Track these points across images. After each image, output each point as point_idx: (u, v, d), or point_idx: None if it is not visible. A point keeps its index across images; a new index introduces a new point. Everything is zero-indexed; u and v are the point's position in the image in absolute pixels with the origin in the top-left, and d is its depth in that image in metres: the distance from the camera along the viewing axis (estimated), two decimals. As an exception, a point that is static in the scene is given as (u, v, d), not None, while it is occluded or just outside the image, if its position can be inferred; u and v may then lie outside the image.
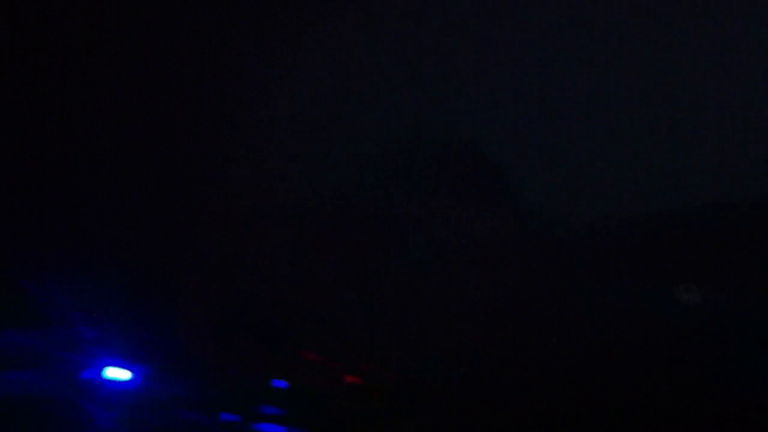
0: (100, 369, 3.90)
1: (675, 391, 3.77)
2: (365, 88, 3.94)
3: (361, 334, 3.87)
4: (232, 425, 3.84)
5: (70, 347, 3.90)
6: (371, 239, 3.93)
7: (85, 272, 3.94)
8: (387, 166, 3.96)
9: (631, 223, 3.75)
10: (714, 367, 3.68)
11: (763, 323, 3.61)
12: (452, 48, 3.95)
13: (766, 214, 3.67)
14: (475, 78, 3.93)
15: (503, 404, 3.77)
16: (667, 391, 3.77)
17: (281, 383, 3.89)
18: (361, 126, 3.93)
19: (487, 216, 3.84)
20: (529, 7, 3.85)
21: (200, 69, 3.96)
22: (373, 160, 3.96)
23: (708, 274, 3.63)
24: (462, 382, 3.81)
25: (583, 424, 3.81)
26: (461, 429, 3.81)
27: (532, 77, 3.88)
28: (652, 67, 3.79)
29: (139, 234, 3.93)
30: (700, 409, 3.71)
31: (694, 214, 3.72)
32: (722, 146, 3.69)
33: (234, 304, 3.93)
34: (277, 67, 3.98)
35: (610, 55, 3.88)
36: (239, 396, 3.88)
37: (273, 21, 3.91)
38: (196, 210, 4.02)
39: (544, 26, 3.88)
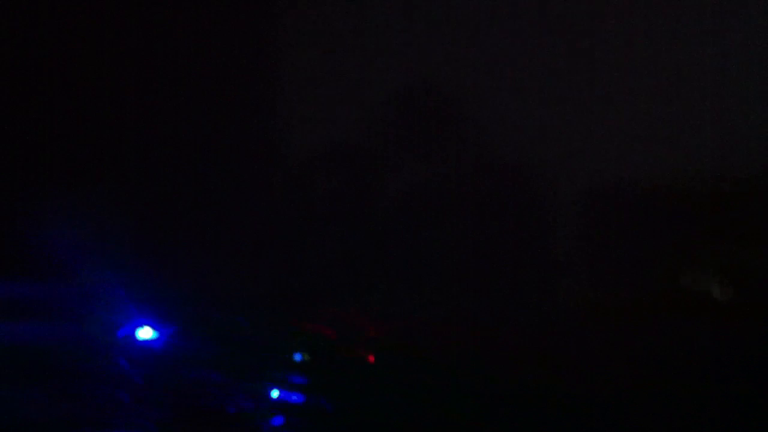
0: (131, 327, 4.16)
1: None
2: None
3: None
4: (250, 387, 4.13)
5: (101, 304, 4.15)
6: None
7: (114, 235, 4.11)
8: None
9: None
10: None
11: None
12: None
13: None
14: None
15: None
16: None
17: (299, 356, 4.13)
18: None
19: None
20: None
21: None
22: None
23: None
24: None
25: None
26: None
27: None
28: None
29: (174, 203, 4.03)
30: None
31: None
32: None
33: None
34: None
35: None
36: (256, 361, 4.14)
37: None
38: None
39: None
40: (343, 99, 4.00)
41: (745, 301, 3.78)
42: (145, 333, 4.17)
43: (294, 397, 4.13)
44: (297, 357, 4.15)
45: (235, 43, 4.02)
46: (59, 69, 4.03)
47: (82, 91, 4.05)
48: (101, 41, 4.02)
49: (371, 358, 4.09)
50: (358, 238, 4.08)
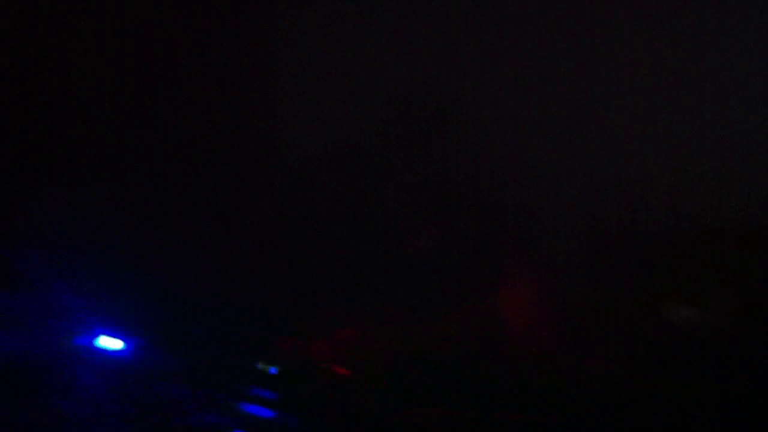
0: (93, 337, 3.96)
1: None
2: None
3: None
4: (216, 402, 3.92)
5: (62, 314, 3.96)
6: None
7: (82, 244, 3.95)
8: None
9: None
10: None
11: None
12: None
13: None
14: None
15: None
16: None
17: (268, 367, 3.93)
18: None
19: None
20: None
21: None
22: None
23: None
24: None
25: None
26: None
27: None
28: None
29: (137, 209, 3.89)
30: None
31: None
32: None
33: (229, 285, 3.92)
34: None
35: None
36: (224, 375, 3.94)
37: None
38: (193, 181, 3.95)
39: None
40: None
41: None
42: (106, 342, 3.96)
43: (263, 412, 3.91)
44: (270, 370, 3.94)
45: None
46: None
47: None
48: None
49: (344, 371, 3.87)
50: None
